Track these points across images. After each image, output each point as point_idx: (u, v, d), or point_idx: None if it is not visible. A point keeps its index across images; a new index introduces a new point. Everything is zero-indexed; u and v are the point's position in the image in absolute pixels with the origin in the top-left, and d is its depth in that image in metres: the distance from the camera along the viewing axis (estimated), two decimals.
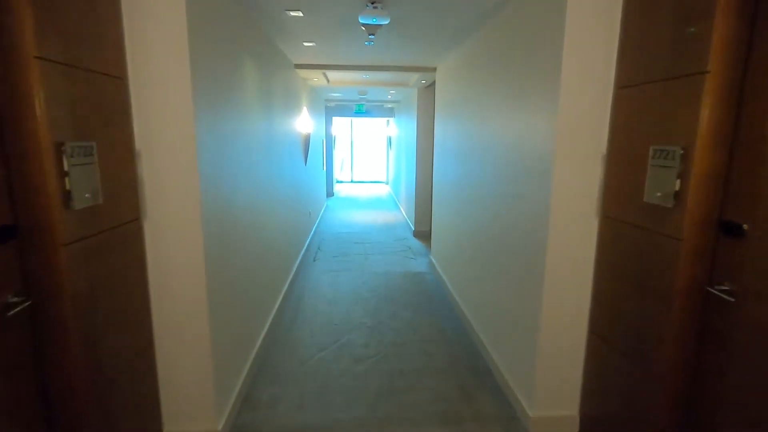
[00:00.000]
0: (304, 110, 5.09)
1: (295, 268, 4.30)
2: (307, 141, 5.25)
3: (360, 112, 9.83)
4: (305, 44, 3.41)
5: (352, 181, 13.96)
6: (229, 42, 2.21)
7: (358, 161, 14.18)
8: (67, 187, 1.26)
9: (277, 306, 3.29)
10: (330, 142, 9.95)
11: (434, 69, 4.49)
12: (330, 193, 10.26)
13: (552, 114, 1.83)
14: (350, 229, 6.71)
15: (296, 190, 4.59)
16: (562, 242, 1.87)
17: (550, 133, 1.85)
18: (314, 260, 4.92)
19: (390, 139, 11.41)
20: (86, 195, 1.33)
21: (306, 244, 5.37)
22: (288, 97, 4.09)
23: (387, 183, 12.94)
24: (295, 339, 2.97)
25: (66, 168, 1.24)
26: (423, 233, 6.21)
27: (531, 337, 2.04)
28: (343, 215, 7.97)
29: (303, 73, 4.71)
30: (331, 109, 9.86)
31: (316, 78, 5.14)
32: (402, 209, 8.13)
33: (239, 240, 2.32)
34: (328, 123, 9.81)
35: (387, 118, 11.11)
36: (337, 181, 12.49)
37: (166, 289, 1.77)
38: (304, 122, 4.97)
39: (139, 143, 1.64)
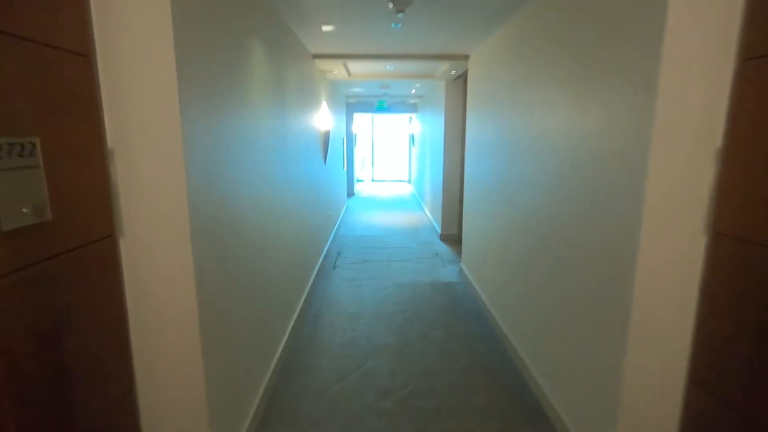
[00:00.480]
0: (324, 105, 4.73)
1: (313, 277, 3.94)
2: (326, 138, 4.89)
3: (382, 108, 9.43)
4: (324, 28, 3.03)
5: (373, 180, 13.60)
6: (232, 22, 1.84)
7: (379, 160, 13.81)
8: None
9: (292, 324, 2.93)
10: (351, 139, 9.60)
11: (466, 57, 4.05)
12: (351, 193, 9.92)
13: (644, 100, 1.39)
14: (372, 232, 6.34)
15: (315, 192, 4.23)
16: (656, 265, 1.43)
17: (641, 125, 1.41)
18: (334, 267, 4.56)
19: (413, 136, 10.99)
20: (23, 210, 0.97)
21: (325, 250, 5.02)
22: (305, 90, 3.73)
23: (409, 182, 12.52)
24: (312, 364, 2.60)
25: None
26: (450, 237, 5.78)
27: (608, 381, 1.61)
28: (365, 217, 7.61)
29: (322, 64, 4.35)
30: (352, 105, 9.51)
31: (336, 70, 4.77)
32: (426, 210, 7.70)
33: (243, 254, 1.96)
34: (349, 120, 9.46)
35: (409, 115, 10.68)
36: (358, 180, 12.14)
37: (150, 323, 1.41)
38: (323, 118, 4.61)
39: (111, 140, 1.29)
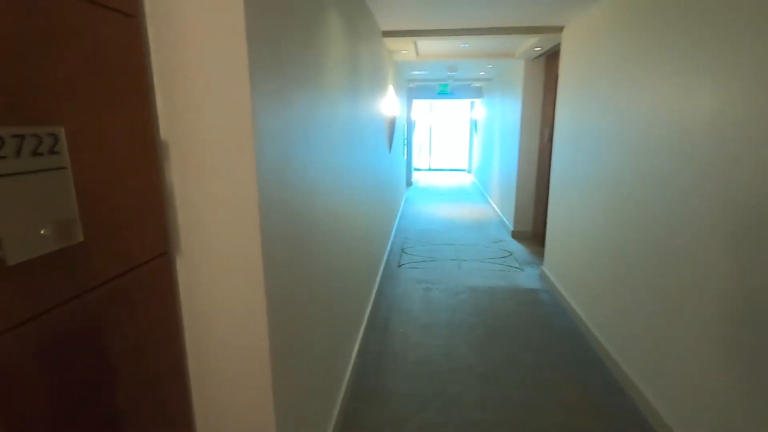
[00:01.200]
0: (390, 89, 4.34)
1: (378, 280, 3.62)
2: (392, 125, 4.52)
3: (443, 93, 8.89)
4: None
5: (429, 169, 13.11)
6: None
7: (436, 148, 13.27)
8: None
9: (360, 335, 2.62)
10: (410, 127, 9.18)
11: (560, 29, 3.48)
12: (408, 183, 9.53)
13: None
14: (435, 226, 5.92)
15: (380, 184, 3.89)
16: None
17: None
18: (399, 266, 4.22)
19: (475, 122, 10.35)
20: (41, 232, 0.68)
21: (389, 247, 4.69)
22: (375, 71, 3.36)
23: (469, 171, 11.91)
24: (387, 386, 2.27)
25: None
26: (524, 235, 5.23)
27: None
28: (426, 209, 7.19)
29: (391, 43, 3.95)
30: (413, 90, 9.05)
31: (404, 50, 4.35)
32: (493, 203, 7.15)
33: (317, 265, 1.64)
34: (409, 106, 9.01)
35: (472, 100, 10.04)
36: (415, 169, 11.71)
37: (212, 360, 1.12)
38: (390, 103, 4.23)
39: (165, 129, 0.98)
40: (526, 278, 3.89)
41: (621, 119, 2.38)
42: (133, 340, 0.90)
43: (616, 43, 2.48)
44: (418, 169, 12.66)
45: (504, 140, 6.24)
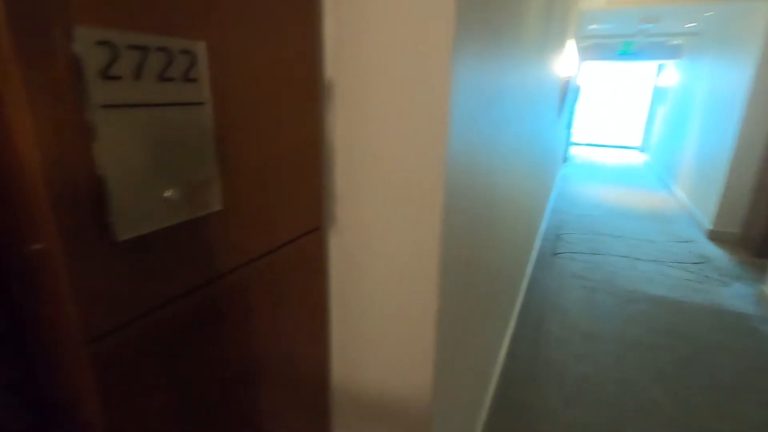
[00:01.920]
0: (572, 44, 3.61)
1: (530, 269, 3.14)
2: (565, 88, 3.80)
3: (626, 54, 7.40)
4: None
5: (589, 144, 11.45)
6: None
7: (600, 119, 11.47)
8: (98, 170, 0.42)
9: (509, 335, 2.25)
10: (576, 93, 7.96)
11: None
12: (564, 158, 8.41)
13: None
14: (598, 212, 5.03)
15: (542, 157, 3.31)
16: None
17: None
18: (554, 255, 3.64)
19: (662, 90, 8.50)
20: (165, 194, 0.48)
21: (543, 229, 4.10)
22: (562, 19, 2.74)
23: (642, 150, 10.03)
24: (539, 405, 1.88)
25: (88, 113, 0.40)
26: (728, 237, 4.07)
27: None
28: (585, 190, 6.22)
29: None
30: (585, 50, 7.74)
31: None
32: (680, 192, 5.80)
33: (486, 257, 1.31)
34: (578, 68, 7.77)
35: (663, 62, 8.20)
36: (572, 143, 10.32)
37: (365, 366, 0.90)
38: (568, 61, 3.53)
39: (332, 65, 0.73)
40: (734, 297, 2.96)
41: None
42: (272, 339, 0.70)
43: None
44: (576, 143, 11.16)
45: (710, 114, 4.87)
